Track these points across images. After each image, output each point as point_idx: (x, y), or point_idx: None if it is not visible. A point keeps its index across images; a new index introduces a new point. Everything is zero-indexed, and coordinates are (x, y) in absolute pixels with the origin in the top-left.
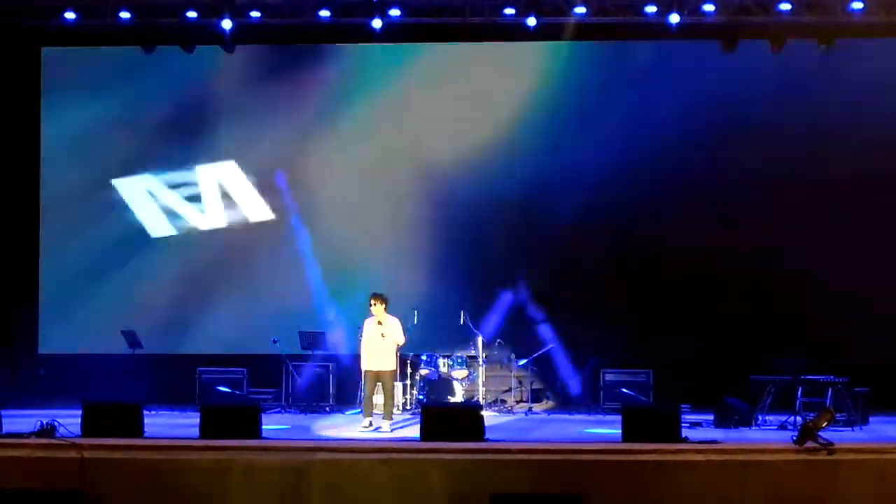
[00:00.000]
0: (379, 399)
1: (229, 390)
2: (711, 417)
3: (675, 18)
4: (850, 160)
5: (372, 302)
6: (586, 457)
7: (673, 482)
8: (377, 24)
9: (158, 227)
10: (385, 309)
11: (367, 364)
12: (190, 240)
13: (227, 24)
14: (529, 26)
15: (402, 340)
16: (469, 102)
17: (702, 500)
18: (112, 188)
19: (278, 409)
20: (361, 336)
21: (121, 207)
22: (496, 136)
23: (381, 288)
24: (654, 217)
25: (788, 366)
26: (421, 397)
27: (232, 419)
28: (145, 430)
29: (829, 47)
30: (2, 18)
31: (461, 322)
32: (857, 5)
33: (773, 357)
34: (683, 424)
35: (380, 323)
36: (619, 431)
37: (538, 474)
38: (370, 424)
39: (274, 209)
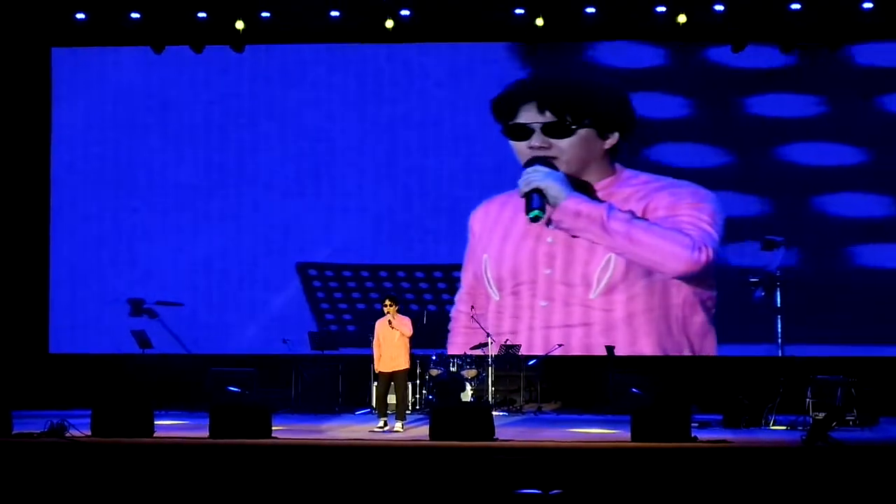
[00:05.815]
0: (392, 399)
1: (239, 390)
2: (720, 418)
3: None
4: None
5: (386, 303)
6: (595, 456)
7: (682, 482)
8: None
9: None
10: (396, 311)
11: (379, 365)
12: None
13: (239, 24)
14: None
15: (409, 332)
16: None
17: (710, 500)
18: (123, 186)
19: (288, 409)
20: (373, 338)
21: (132, 206)
22: None
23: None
24: None
25: (798, 365)
26: (431, 397)
27: (242, 419)
28: (155, 429)
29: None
30: (11, 18)
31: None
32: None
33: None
34: (693, 424)
35: (390, 322)
36: (629, 432)
37: (547, 473)
38: (385, 425)
39: None
